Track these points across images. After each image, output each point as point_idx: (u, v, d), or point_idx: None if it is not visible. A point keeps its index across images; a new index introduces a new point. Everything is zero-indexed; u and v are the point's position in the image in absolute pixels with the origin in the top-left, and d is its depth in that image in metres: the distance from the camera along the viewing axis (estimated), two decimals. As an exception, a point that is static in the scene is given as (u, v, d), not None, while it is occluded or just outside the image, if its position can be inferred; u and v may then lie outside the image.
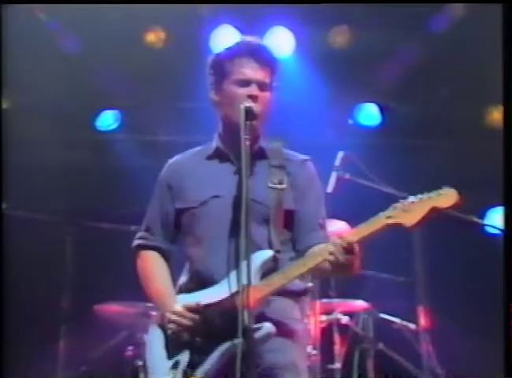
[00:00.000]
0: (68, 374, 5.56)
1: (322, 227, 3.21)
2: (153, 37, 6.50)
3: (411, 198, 2.89)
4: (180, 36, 6.43)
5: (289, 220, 3.15)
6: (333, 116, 6.95)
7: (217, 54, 3.26)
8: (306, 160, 3.30)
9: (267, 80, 3.16)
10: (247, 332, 2.69)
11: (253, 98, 3.08)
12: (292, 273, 2.96)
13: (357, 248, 2.90)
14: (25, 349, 6.11)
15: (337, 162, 5.35)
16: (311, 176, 3.28)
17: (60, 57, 6.30)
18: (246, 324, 2.68)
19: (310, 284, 4.87)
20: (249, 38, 3.30)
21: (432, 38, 6.31)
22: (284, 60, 6.29)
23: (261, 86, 3.13)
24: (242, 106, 3.00)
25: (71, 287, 5.48)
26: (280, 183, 3.13)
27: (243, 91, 3.10)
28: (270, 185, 3.12)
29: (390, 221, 2.87)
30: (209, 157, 3.27)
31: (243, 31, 6.36)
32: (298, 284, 3.14)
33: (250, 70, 3.14)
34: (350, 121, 7.14)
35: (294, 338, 3.05)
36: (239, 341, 2.67)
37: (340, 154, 5.39)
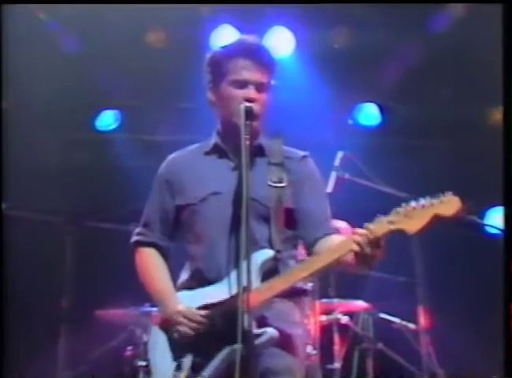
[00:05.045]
0: (68, 374, 5.56)
1: (327, 220, 3.16)
2: (154, 37, 6.50)
3: (413, 203, 2.79)
4: (180, 36, 6.43)
5: (290, 218, 3.11)
6: (333, 116, 6.94)
7: (214, 53, 3.21)
8: (305, 156, 3.25)
9: (264, 81, 3.11)
10: (248, 337, 2.67)
11: (250, 100, 3.04)
12: (294, 277, 2.93)
13: (382, 242, 2.79)
14: (25, 349, 6.11)
15: (337, 162, 5.37)
16: (311, 172, 3.23)
17: (60, 57, 6.30)
18: (247, 328, 2.65)
19: (310, 285, 4.91)
20: (246, 37, 3.25)
21: (432, 39, 6.32)
22: (284, 60, 6.29)
23: (259, 87, 3.09)
24: (242, 107, 2.97)
25: (71, 287, 5.47)
26: (280, 182, 3.09)
27: (239, 93, 3.06)
28: (270, 183, 3.07)
29: (392, 227, 2.79)
30: (207, 153, 3.24)
31: (243, 31, 6.37)
32: (298, 285, 3.10)
33: (247, 71, 3.08)
34: (350, 121, 7.14)
35: (291, 343, 3.01)
36: (238, 346, 2.65)
37: (340, 154, 5.40)
